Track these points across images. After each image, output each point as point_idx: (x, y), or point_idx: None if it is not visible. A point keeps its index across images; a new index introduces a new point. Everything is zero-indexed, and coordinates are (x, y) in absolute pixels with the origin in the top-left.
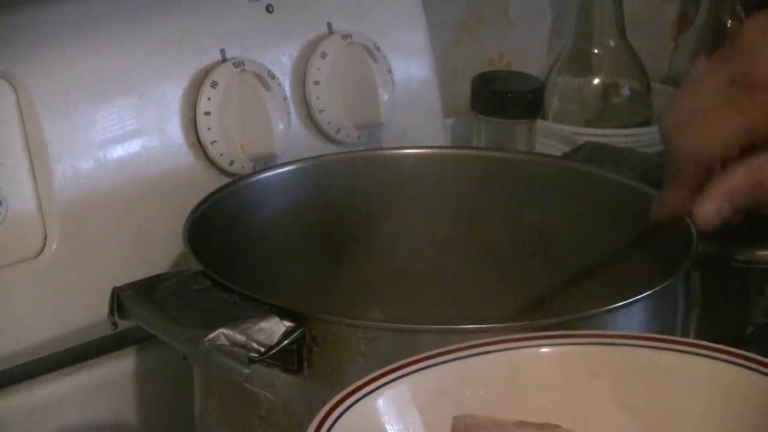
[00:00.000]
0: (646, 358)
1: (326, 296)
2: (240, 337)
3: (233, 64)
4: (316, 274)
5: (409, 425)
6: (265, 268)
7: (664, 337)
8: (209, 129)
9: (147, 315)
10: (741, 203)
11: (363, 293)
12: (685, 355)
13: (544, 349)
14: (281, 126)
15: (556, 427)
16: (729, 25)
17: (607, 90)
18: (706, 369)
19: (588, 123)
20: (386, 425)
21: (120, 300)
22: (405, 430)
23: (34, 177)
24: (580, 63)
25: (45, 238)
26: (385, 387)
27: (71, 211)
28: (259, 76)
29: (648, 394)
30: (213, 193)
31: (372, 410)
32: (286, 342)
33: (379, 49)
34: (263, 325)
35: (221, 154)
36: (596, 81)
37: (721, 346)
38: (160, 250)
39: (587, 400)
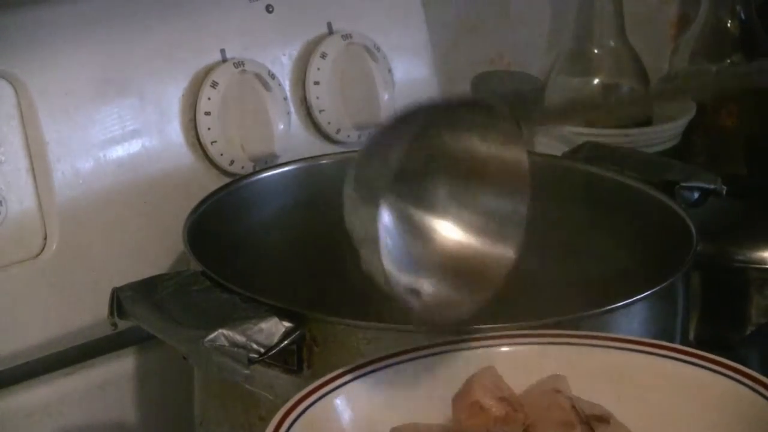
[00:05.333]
0: (610, 359)
1: (326, 296)
2: (240, 338)
3: (233, 64)
4: (316, 274)
5: (367, 426)
6: (265, 268)
7: (630, 338)
8: (209, 129)
9: (147, 315)
10: None
11: (363, 293)
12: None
13: (504, 349)
14: (281, 126)
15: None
16: (729, 25)
17: (607, 90)
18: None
19: (588, 123)
20: (344, 424)
21: (120, 300)
22: (364, 428)
23: (34, 177)
24: (580, 63)
25: (45, 238)
26: (345, 386)
27: (71, 211)
28: (259, 76)
29: (610, 398)
30: (213, 193)
31: (331, 409)
32: (285, 342)
33: (379, 49)
34: (263, 325)
35: (221, 154)
36: (596, 81)
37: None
38: (160, 249)
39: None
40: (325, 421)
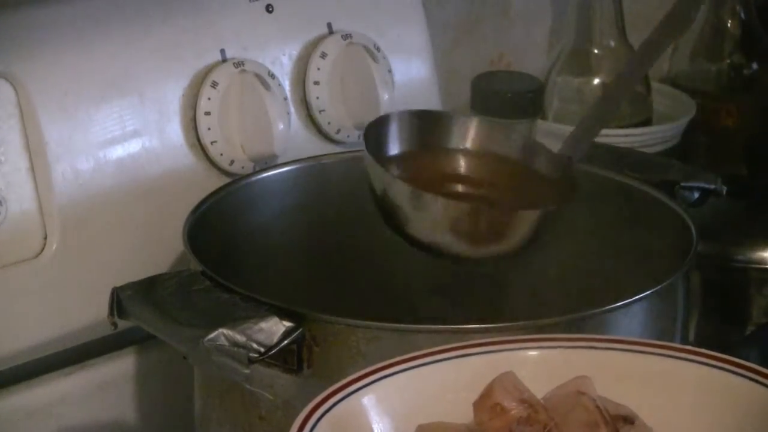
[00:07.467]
0: (634, 363)
1: (326, 296)
2: (240, 338)
3: (233, 64)
4: (316, 274)
5: (393, 425)
6: (265, 268)
7: (653, 342)
8: (209, 129)
9: (147, 315)
10: None
11: (362, 293)
12: (676, 361)
13: (531, 353)
14: (281, 126)
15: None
16: (729, 25)
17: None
18: (698, 375)
19: None
20: (372, 423)
21: (120, 300)
22: (390, 427)
23: (34, 177)
24: (580, 63)
25: (45, 238)
26: (372, 385)
27: (71, 211)
28: (259, 76)
29: (634, 401)
30: (213, 193)
31: (358, 407)
32: (285, 342)
33: (379, 49)
34: (263, 325)
35: (221, 154)
36: (596, 81)
37: (711, 352)
38: (160, 250)
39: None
40: (352, 419)
